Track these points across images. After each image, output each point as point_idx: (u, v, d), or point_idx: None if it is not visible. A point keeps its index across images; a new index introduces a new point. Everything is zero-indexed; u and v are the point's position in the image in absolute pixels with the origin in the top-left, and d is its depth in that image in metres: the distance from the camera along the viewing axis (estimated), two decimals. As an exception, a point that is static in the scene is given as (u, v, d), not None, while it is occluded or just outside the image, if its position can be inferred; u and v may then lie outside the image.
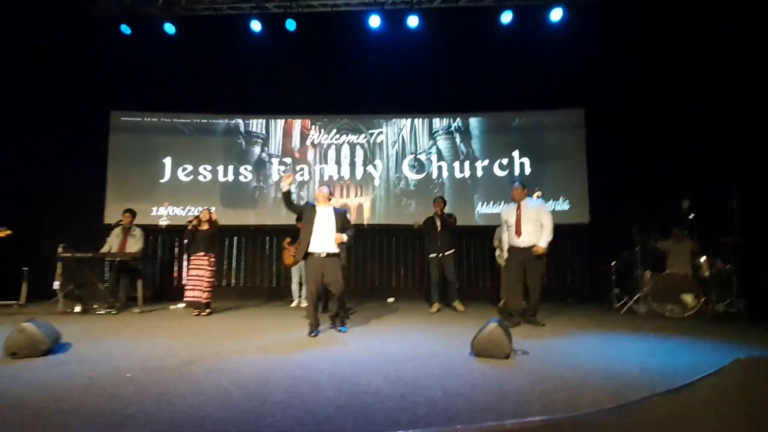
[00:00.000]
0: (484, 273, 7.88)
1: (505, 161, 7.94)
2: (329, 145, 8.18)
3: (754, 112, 5.81)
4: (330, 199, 4.49)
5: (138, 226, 6.58)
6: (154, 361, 3.12)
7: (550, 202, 7.30)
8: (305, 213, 4.40)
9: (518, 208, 4.81)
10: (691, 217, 5.95)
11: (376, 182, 8.05)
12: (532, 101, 7.84)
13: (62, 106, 7.82)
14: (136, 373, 2.80)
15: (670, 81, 6.83)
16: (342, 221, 4.37)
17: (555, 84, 7.64)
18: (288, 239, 6.96)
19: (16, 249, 6.58)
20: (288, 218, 7.57)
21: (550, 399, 2.26)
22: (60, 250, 6.18)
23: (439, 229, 5.98)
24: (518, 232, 4.72)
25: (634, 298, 5.86)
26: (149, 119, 8.14)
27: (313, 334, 4.17)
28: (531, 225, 4.68)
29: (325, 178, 8.06)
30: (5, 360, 3.17)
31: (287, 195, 4.30)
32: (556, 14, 7.05)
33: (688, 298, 5.30)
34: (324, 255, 4.23)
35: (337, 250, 4.28)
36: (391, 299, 7.48)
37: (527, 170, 7.85)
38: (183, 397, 2.30)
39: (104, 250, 6.34)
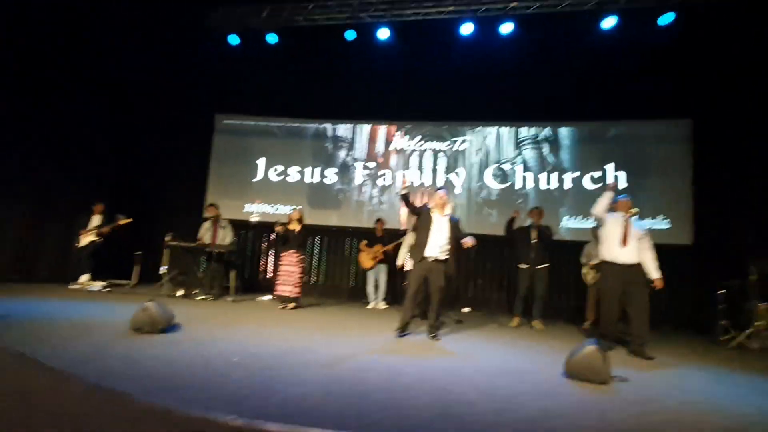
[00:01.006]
0: (567, 291, 7.50)
1: (597, 174, 7.51)
2: (412, 152, 8.27)
3: None
4: (445, 207, 4.55)
5: (230, 220, 7.11)
6: (254, 348, 3.36)
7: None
8: (422, 215, 4.54)
9: (626, 220, 4.32)
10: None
11: (458, 190, 8.00)
12: (631, 111, 7.35)
13: (174, 109, 8.70)
14: (243, 358, 3.03)
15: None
16: (455, 230, 4.47)
17: (659, 93, 7.10)
18: (365, 241, 7.14)
19: (131, 235, 7.42)
20: (368, 221, 7.87)
21: (661, 433, 2.12)
22: (168, 238, 6.86)
23: (533, 240, 5.79)
24: (624, 242, 4.22)
25: (746, 332, 5.26)
26: (248, 122, 8.78)
27: (400, 334, 4.31)
28: (635, 242, 4.29)
29: (408, 184, 8.14)
30: (130, 333, 3.59)
31: (405, 197, 4.56)
32: (666, 18, 6.56)
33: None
34: (433, 260, 4.36)
35: (446, 257, 4.38)
36: (466, 309, 7.38)
37: (622, 184, 7.36)
38: (287, 386, 2.47)
39: (198, 241, 6.92)
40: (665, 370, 3.69)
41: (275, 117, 8.70)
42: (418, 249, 4.43)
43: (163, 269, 7.02)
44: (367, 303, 7.12)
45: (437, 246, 4.36)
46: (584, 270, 6.43)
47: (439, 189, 4.65)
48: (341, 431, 1.84)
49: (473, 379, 2.89)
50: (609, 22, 6.73)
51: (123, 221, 7.05)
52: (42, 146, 7.22)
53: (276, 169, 8.59)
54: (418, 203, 7.80)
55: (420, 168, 8.20)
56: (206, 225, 6.95)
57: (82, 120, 7.67)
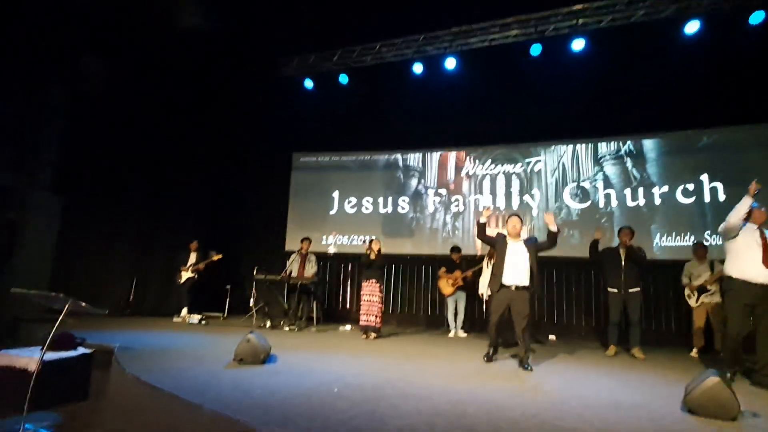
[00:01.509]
0: (667, 314, 6.90)
1: (690, 186, 6.96)
2: (484, 176, 8.20)
3: None
4: (520, 232, 4.52)
5: (313, 252, 7.41)
6: (350, 378, 3.43)
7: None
8: (498, 243, 4.52)
9: (761, 232, 3.82)
10: None
11: (534, 212, 7.77)
12: (724, 117, 6.79)
13: (256, 151, 9.39)
14: (342, 388, 3.11)
15: None
16: (535, 253, 4.41)
17: (754, 95, 6.52)
18: (443, 268, 7.09)
19: (221, 270, 7.97)
20: (443, 248, 7.83)
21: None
22: (255, 272, 7.28)
23: (623, 262, 5.45)
24: (765, 259, 3.70)
25: None
26: (322, 158, 9.23)
27: (487, 360, 4.36)
28: None
29: (480, 209, 8.06)
30: (233, 364, 3.82)
31: (483, 226, 4.56)
32: (756, 17, 6.09)
33: None
34: (514, 288, 4.29)
35: (527, 284, 4.30)
36: (552, 337, 7.01)
37: (721, 196, 6.75)
38: (391, 418, 2.48)
39: (286, 273, 7.26)
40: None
41: (348, 151, 9.07)
42: (495, 278, 4.41)
43: (251, 302, 7.44)
44: (448, 331, 7.01)
45: (516, 273, 4.29)
46: (687, 291, 5.90)
47: (512, 215, 4.58)
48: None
49: (583, 415, 2.72)
50: (692, 27, 6.37)
51: (215, 257, 7.61)
52: (145, 191, 8.09)
53: (350, 201, 8.88)
54: (493, 229, 7.69)
55: (493, 192, 8.09)
56: (295, 257, 7.30)
57: (180, 165, 8.52)
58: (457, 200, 8.28)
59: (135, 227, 7.96)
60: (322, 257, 8.63)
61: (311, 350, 4.80)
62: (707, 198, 6.85)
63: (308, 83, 8.51)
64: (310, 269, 7.14)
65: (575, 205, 7.58)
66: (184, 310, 7.40)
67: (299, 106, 8.97)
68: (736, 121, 6.78)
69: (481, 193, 8.16)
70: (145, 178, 8.07)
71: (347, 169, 9.04)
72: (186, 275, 7.52)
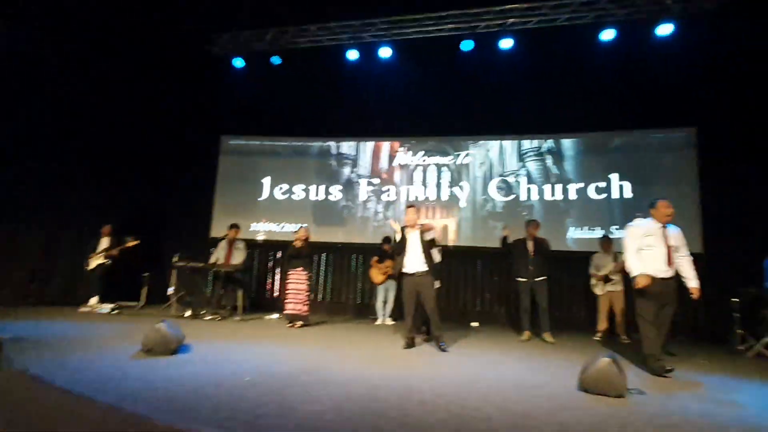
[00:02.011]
0: (577, 301, 7.46)
1: (602, 184, 7.53)
2: (416, 167, 8.33)
3: None
4: (415, 222, 4.78)
5: (242, 239, 7.15)
6: (267, 367, 3.36)
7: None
8: (402, 239, 4.80)
9: (664, 230, 3.96)
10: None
11: (462, 204, 8.03)
12: (634, 120, 7.40)
13: (180, 132, 8.83)
14: (254, 377, 3.03)
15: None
16: (428, 240, 4.74)
17: (662, 102, 7.16)
18: (376, 258, 7.15)
19: (138, 257, 7.46)
20: (375, 237, 7.89)
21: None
22: (175, 259, 6.89)
23: (531, 253, 5.79)
24: (670, 261, 3.89)
25: (764, 340, 5.20)
26: (253, 142, 8.89)
27: (407, 346, 4.52)
28: (673, 252, 3.96)
29: (411, 199, 8.20)
30: (141, 354, 3.59)
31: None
32: (664, 29, 6.66)
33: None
34: (416, 274, 4.63)
35: (426, 269, 4.60)
36: (475, 323, 7.33)
37: (627, 194, 7.37)
38: (302, 404, 2.46)
39: (211, 261, 6.95)
40: (683, 380, 3.64)
41: (280, 136, 8.81)
42: (401, 268, 4.74)
43: (170, 290, 7.05)
44: (375, 319, 7.10)
45: (414, 261, 4.62)
46: (593, 281, 6.40)
47: (408, 206, 4.87)
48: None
49: (488, 395, 2.86)
50: (607, 35, 6.84)
51: (131, 243, 7.11)
52: (53, 170, 7.34)
53: (281, 188, 8.66)
54: (422, 219, 7.85)
55: (424, 183, 8.25)
56: (222, 244, 6.99)
57: (89, 144, 7.80)
58: (389, 190, 8.35)
59: (42, 210, 7.21)
60: (251, 244, 8.36)
61: (231, 340, 4.65)
62: (615, 195, 7.45)
63: (238, 62, 8.12)
64: (238, 257, 6.90)
65: (500, 198, 7.93)
66: (94, 299, 6.85)
67: (229, 87, 8.55)
68: (643, 126, 7.41)
69: (412, 183, 8.30)
70: (53, 158, 7.31)
71: (279, 154, 8.79)
72: (96, 261, 6.96)
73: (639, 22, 6.70)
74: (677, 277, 3.97)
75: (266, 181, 8.70)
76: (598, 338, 6.17)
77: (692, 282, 3.94)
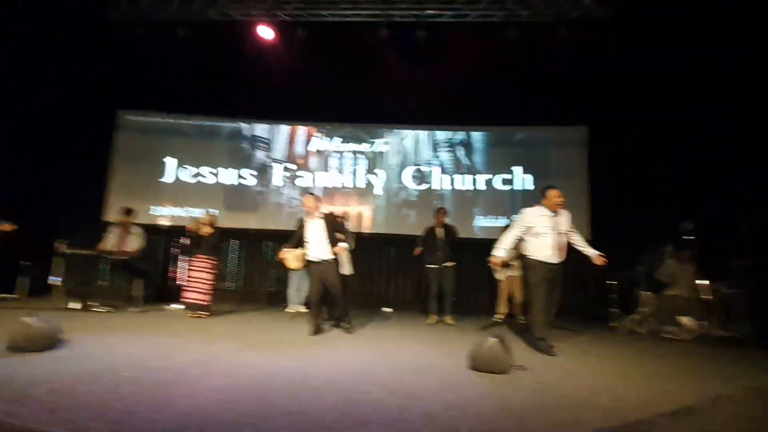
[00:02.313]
0: (482, 286, 7.90)
1: (507, 176, 8.01)
2: (332, 153, 8.25)
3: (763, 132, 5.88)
4: (315, 209, 4.72)
5: (138, 224, 6.61)
6: (154, 361, 3.13)
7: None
8: (302, 227, 4.79)
9: (554, 218, 4.17)
10: (691, 239, 6.01)
11: (377, 191, 8.11)
12: (535, 117, 7.93)
13: (71, 105, 7.88)
14: (137, 372, 2.81)
15: (679, 99, 6.85)
16: (333, 227, 4.69)
17: (559, 100, 7.73)
18: (290, 244, 6.98)
19: (21, 244, 6.58)
20: (289, 224, 7.69)
21: (555, 417, 2.28)
22: (60, 245, 6.19)
23: (440, 239, 5.99)
24: (559, 248, 4.12)
25: (635, 318, 5.89)
26: (154, 119, 8.21)
27: (314, 333, 4.51)
28: (563, 236, 4.21)
29: (327, 186, 8.13)
30: (6, 353, 3.18)
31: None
32: (561, 31, 7.15)
33: (687, 321, 5.33)
34: (319, 261, 4.63)
35: (328, 257, 4.60)
36: (388, 309, 7.48)
37: (529, 185, 7.92)
38: (183, 398, 2.32)
39: (103, 247, 6.34)
40: (564, 356, 3.99)
41: (186, 115, 8.22)
42: (306, 256, 4.72)
43: (54, 280, 6.33)
44: (287, 306, 6.97)
45: (317, 248, 4.61)
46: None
47: (304, 194, 4.90)
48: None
49: (383, 378, 2.92)
50: (513, 33, 7.20)
51: (7, 228, 6.24)
52: None
53: (187, 170, 8.12)
54: (337, 206, 7.81)
55: (340, 169, 8.19)
56: (114, 230, 6.39)
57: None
58: (304, 175, 8.19)
59: None
60: (152, 230, 7.77)
61: (122, 333, 4.28)
62: (519, 186, 7.98)
63: (139, 32, 7.38)
64: (134, 243, 6.36)
65: (414, 187, 8.12)
66: (-43, 292, 5.95)
67: (128, 59, 7.76)
68: (541, 122, 7.97)
69: (328, 170, 8.21)
70: None
71: (184, 134, 8.22)
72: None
73: (541, 24, 7.11)
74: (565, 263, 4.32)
75: (170, 162, 8.10)
76: (498, 320, 6.58)
77: (592, 251, 4.22)
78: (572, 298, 7.32)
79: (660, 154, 7.12)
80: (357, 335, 4.76)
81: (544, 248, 4.15)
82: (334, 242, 4.61)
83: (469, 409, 2.32)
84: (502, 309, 6.67)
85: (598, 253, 4.21)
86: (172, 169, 8.10)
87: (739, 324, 5.33)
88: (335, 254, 4.59)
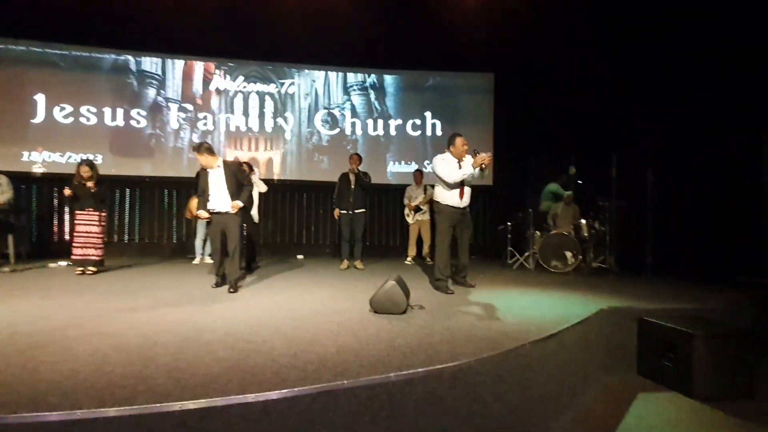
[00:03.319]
0: (394, 230, 8.13)
1: (418, 121, 8.06)
2: (236, 93, 7.66)
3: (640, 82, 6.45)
4: (210, 158, 4.32)
5: (3, 173, 5.74)
6: (24, 326, 2.82)
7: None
8: (201, 177, 4.42)
9: (460, 165, 4.42)
10: (579, 182, 6.61)
11: (287, 136, 7.78)
12: (446, 62, 7.94)
13: None
14: (2, 338, 2.51)
15: (573, 49, 7.19)
16: (236, 177, 4.37)
17: (469, 47, 7.75)
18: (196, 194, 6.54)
19: None
20: (190, 171, 7.15)
21: (435, 350, 2.43)
22: None
23: (353, 186, 5.95)
24: (462, 194, 4.42)
25: (525, 255, 6.45)
26: (16, 48, 6.93)
27: (216, 286, 4.34)
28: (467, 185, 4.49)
29: (232, 129, 7.61)
30: None
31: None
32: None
33: (569, 255, 5.95)
34: (220, 213, 4.33)
35: (228, 209, 4.31)
36: (300, 256, 7.45)
37: (438, 132, 8.06)
38: (51, 364, 2.12)
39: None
40: (459, 294, 4.28)
41: (57, 43, 7.04)
42: (203, 205, 4.42)
43: None
44: (193, 258, 6.64)
45: (217, 199, 4.33)
46: (406, 210, 6.98)
47: (200, 146, 4.32)
48: (104, 407, 1.65)
49: (282, 326, 2.91)
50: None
51: None
52: None
53: (63, 109, 7.08)
54: (246, 153, 7.40)
55: (246, 112, 7.67)
56: None
57: None
58: (205, 118, 7.56)
59: None
60: (25, 179, 6.82)
61: (-15, 296, 3.79)
62: (429, 132, 8.09)
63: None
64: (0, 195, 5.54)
65: (325, 132, 7.89)
66: None
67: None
68: (454, 68, 8.02)
69: (232, 112, 7.64)
70: None
71: (56, 66, 7.06)
72: None
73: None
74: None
75: (40, 100, 6.99)
76: (408, 262, 6.86)
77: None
78: (476, 240, 7.84)
79: (560, 102, 7.52)
80: (264, 284, 4.69)
81: (451, 194, 4.43)
82: (236, 193, 4.33)
83: (360, 351, 2.40)
84: (411, 251, 6.96)
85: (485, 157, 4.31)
86: (42, 108, 7.00)
87: (607, 257, 6.11)
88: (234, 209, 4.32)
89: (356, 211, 5.96)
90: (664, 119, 6.37)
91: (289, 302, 3.76)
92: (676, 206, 6.02)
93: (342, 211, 5.99)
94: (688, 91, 5.92)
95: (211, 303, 3.68)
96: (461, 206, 4.47)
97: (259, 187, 5.84)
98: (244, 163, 5.64)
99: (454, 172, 4.38)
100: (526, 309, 3.61)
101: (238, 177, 4.37)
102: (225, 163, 4.38)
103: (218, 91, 7.59)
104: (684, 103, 6.01)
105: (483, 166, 4.25)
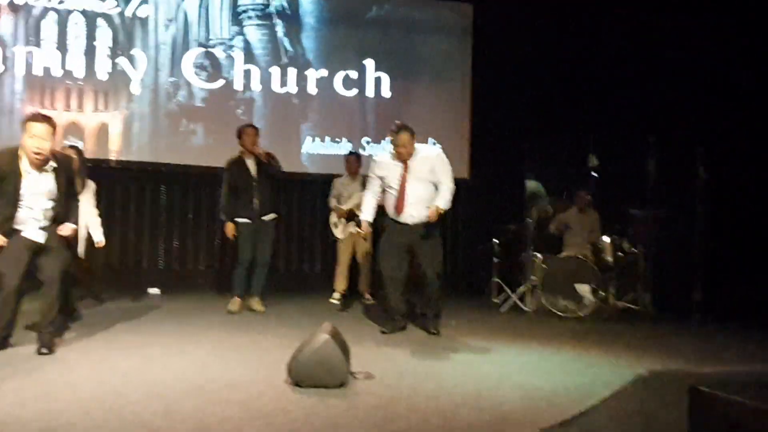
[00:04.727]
0: (312, 250, 8.06)
1: (353, 74, 8.08)
2: (46, 12, 7.30)
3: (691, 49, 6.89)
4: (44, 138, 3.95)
5: None
6: None
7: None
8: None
9: (405, 167, 4.85)
10: (593, 174, 6.92)
11: (135, 88, 7.51)
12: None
13: None
14: None
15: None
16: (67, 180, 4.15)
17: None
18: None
19: None
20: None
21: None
22: None
23: (254, 177, 5.84)
24: (399, 208, 4.86)
25: (520, 290, 6.64)
26: None
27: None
28: (422, 188, 4.85)
29: (36, 73, 7.22)
30: None
31: None
32: None
33: (585, 290, 6.22)
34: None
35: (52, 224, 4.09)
36: (154, 290, 7.17)
37: (385, 91, 8.14)
38: None
39: None
40: (423, 351, 4.32)
41: None
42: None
43: None
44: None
45: (36, 210, 4.02)
46: (332, 218, 6.93)
47: (34, 116, 4.07)
48: None
49: (140, 415, 2.79)
50: None
51: None
52: None
53: None
54: (60, 109, 7.09)
55: (62, 45, 7.33)
56: None
57: None
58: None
59: None
60: None
61: None
62: (370, 92, 8.14)
63: None
64: None
65: (200, 83, 7.71)
66: None
67: None
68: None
69: (38, 44, 7.26)
70: None
71: None
72: None
73: None
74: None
75: None
76: (335, 300, 6.80)
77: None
78: (445, 264, 7.98)
79: (574, 54, 7.84)
80: (101, 339, 4.50)
81: (389, 201, 4.88)
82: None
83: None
84: (340, 284, 6.91)
85: (442, 207, 4.75)
86: None
87: (639, 292, 6.43)
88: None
89: (264, 218, 5.89)
90: (724, 90, 6.82)
91: (152, 366, 3.63)
92: (737, 218, 6.49)
93: (241, 220, 5.86)
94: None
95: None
96: (402, 221, 4.87)
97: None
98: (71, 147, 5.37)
99: (368, 198, 5.05)
100: (528, 375, 3.71)
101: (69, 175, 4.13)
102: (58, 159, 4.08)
103: (14, 6, 7.19)
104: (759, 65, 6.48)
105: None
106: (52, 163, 3.99)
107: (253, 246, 5.94)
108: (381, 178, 4.94)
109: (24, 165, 3.89)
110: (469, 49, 8.33)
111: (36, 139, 3.80)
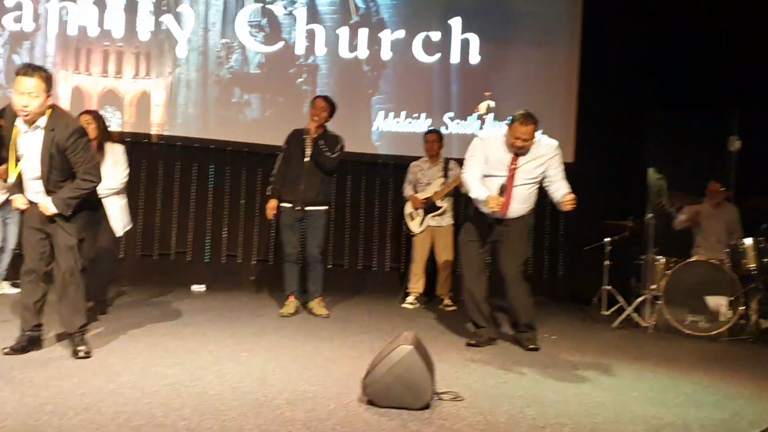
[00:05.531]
0: (382, 245, 8.08)
1: (435, 36, 8.04)
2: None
3: None
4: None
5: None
6: None
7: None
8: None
9: (514, 159, 4.80)
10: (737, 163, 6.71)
11: (181, 51, 7.69)
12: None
13: None
14: None
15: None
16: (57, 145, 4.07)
17: None
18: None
19: None
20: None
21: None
22: None
23: (306, 160, 5.86)
24: (503, 208, 4.77)
25: (637, 301, 6.47)
26: None
27: (13, 350, 4.03)
28: (528, 186, 4.87)
29: (74, 32, 7.45)
30: None
31: None
32: None
33: (720, 304, 6.03)
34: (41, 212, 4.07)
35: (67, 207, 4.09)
36: (198, 287, 7.34)
37: (473, 56, 8.05)
38: None
39: None
40: (520, 370, 4.24)
41: None
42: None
43: None
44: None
45: (35, 185, 4.10)
46: (408, 208, 6.94)
47: (22, 69, 4.00)
48: None
49: (203, 421, 2.84)
50: None
51: None
52: None
53: None
54: (96, 74, 7.30)
55: (101, 1, 7.53)
56: None
57: None
58: (18, 7, 7.37)
59: None
60: None
61: None
62: (455, 57, 8.08)
63: None
64: None
65: (256, 46, 7.83)
66: None
67: None
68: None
69: (74, -1, 7.48)
70: None
71: None
72: None
73: None
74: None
75: None
76: (409, 305, 6.83)
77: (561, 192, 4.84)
78: (542, 269, 7.91)
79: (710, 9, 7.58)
80: (138, 341, 4.59)
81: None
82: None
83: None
84: (416, 285, 6.92)
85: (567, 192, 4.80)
86: None
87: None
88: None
89: (309, 207, 5.91)
90: None
91: (198, 381, 3.69)
92: None
93: (283, 204, 5.93)
94: None
95: (28, 384, 3.55)
96: (496, 216, 4.84)
97: (117, 170, 5.52)
98: (88, 112, 5.46)
99: (473, 178, 4.86)
100: (651, 405, 3.59)
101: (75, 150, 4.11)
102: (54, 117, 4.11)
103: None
104: None
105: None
106: (44, 119, 3.96)
107: (298, 238, 6.00)
108: (486, 159, 4.85)
109: (19, 122, 3.97)
110: (579, 4, 8.14)
111: (23, 96, 3.80)
